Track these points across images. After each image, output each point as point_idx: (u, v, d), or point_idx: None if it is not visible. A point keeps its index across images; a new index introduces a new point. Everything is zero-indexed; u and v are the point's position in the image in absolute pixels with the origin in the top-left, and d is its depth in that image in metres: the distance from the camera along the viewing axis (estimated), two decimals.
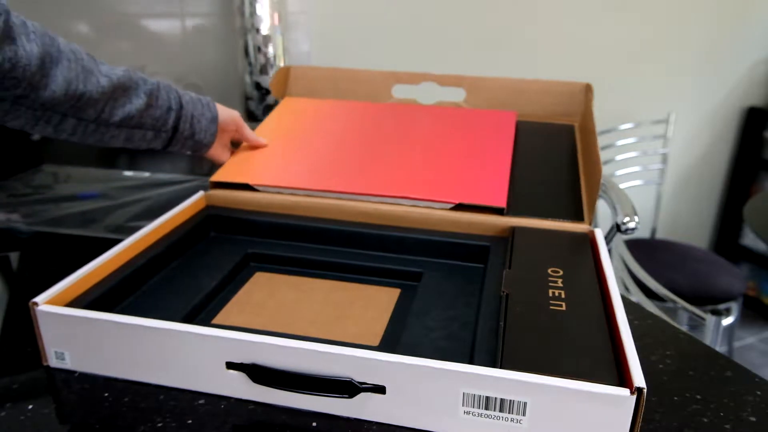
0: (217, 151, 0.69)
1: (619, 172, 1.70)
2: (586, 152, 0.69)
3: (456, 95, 0.82)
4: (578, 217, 0.60)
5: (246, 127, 0.72)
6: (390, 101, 0.83)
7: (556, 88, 0.80)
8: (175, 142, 0.64)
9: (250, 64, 1.19)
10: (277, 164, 0.69)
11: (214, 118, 0.66)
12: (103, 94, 0.55)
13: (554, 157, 0.71)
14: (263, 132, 0.76)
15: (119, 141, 0.59)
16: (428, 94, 0.84)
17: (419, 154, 0.70)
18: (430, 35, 1.51)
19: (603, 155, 1.68)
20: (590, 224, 0.59)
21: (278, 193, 0.66)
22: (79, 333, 0.45)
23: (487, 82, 0.81)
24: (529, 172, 0.68)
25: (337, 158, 0.69)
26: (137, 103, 0.58)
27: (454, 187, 0.63)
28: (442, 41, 1.53)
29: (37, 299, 0.45)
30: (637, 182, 1.73)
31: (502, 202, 0.60)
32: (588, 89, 0.78)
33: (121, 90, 0.57)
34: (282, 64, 1.21)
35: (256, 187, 0.66)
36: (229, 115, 0.69)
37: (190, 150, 0.66)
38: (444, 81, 0.81)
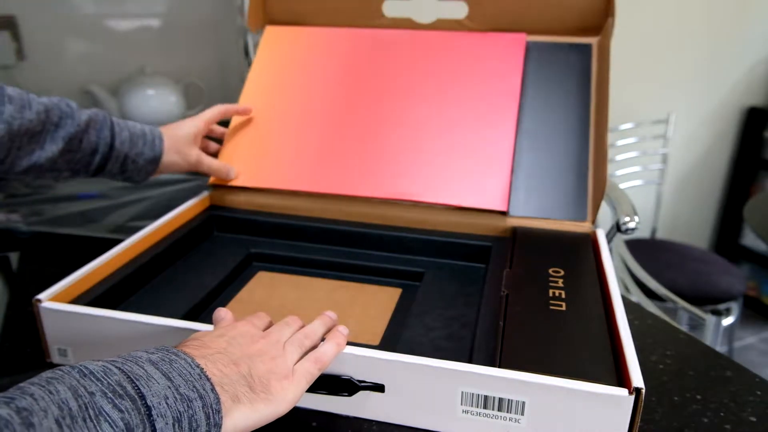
0: (190, 167, 0.64)
1: (619, 172, 1.70)
2: (596, 143, 0.63)
3: (457, 11, 0.70)
4: (581, 216, 0.59)
5: (227, 109, 0.68)
6: (381, 20, 0.72)
7: None
8: (101, 175, 0.59)
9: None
10: (277, 163, 0.68)
11: (155, 159, 0.59)
12: None
13: (565, 117, 0.64)
14: (251, 90, 0.72)
15: (23, 178, 0.54)
16: (425, 11, 0.71)
17: (420, 145, 0.65)
18: None
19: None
20: (593, 224, 0.59)
21: (280, 193, 0.66)
22: (81, 330, 0.45)
23: None
24: (532, 164, 0.63)
25: (338, 155, 0.67)
26: (50, 149, 0.52)
27: (456, 188, 0.63)
28: None
29: (41, 296, 0.45)
30: (637, 182, 1.73)
31: (503, 206, 0.60)
32: None
33: (27, 137, 0.50)
34: None
35: (257, 188, 0.66)
36: (189, 133, 0.63)
37: (124, 180, 0.61)
38: None
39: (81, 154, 0.55)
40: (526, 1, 0.69)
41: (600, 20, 0.67)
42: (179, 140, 0.62)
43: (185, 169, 0.63)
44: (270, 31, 0.77)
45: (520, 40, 0.68)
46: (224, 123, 0.72)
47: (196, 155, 0.63)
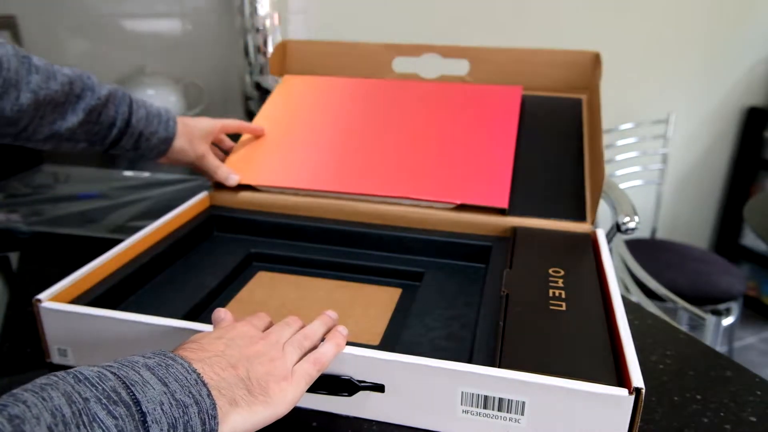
0: (196, 159, 0.65)
1: (619, 172, 1.70)
2: (591, 147, 0.67)
3: (459, 68, 0.78)
4: (581, 217, 0.59)
5: (243, 125, 0.70)
6: (390, 76, 0.80)
7: (563, 57, 0.76)
8: (114, 150, 0.60)
9: (250, 64, 1.19)
10: (278, 163, 0.69)
11: (167, 139, 0.62)
12: (23, 113, 0.50)
13: (559, 143, 0.68)
14: (263, 118, 0.75)
15: (42, 146, 0.56)
16: (430, 67, 0.79)
17: (421, 149, 0.68)
18: (430, 36, 1.51)
19: (604, 154, 1.68)
20: (592, 224, 0.59)
21: (280, 193, 0.66)
22: (82, 330, 0.45)
23: (492, 53, 0.77)
24: (532, 166, 0.66)
25: (338, 155, 0.69)
26: (71, 120, 0.54)
27: (456, 187, 0.63)
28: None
29: (41, 296, 0.45)
30: (637, 182, 1.73)
31: (504, 203, 0.60)
32: (596, 59, 0.74)
33: (51, 106, 0.52)
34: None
35: (258, 187, 0.66)
36: (204, 128, 0.66)
37: (133, 158, 0.64)
38: (447, 53, 0.77)
39: (99, 126, 0.57)
40: (522, 61, 0.77)
41: (588, 79, 0.75)
42: (193, 130, 0.64)
43: (191, 160, 0.65)
44: (287, 78, 0.82)
45: (516, 90, 0.75)
46: (234, 137, 0.73)
47: (203, 150, 0.65)
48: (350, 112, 0.75)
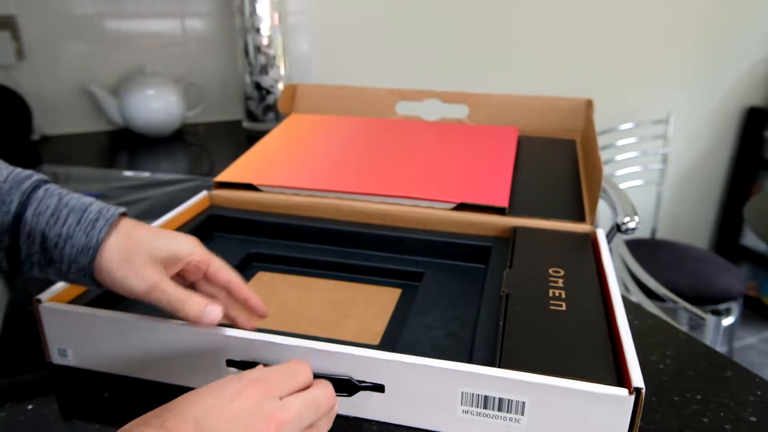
0: (144, 292, 0.39)
1: (619, 172, 1.70)
2: (587, 156, 0.69)
3: (459, 112, 0.83)
4: (580, 217, 0.60)
5: (223, 270, 0.44)
6: (394, 118, 0.85)
7: (558, 104, 0.81)
8: (25, 268, 0.40)
9: (250, 64, 1.19)
10: (280, 166, 0.69)
11: (88, 249, 0.39)
12: None
13: (556, 166, 0.72)
14: (268, 142, 0.76)
15: None
16: (432, 111, 0.85)
17: (422, 157, 0.70)
18: (430, 34, 1.51)
19: (603, 155, 1.68)
20: (592, 225, 0.59)
21: (281, 193, 0.66)
22: (81, 330, 0.45)
23: (490, 98, 0.83)
24: (531, 177, 0.68)
25: (341, 161, 0.69)
26: None
27: (456, 187, 0.63)
28: (443, 40, 1.53)
29: (41, 296, 0.45)
30: (637, 182, 1.73)
31: (504, 202, 0.61)
32: (589, 104, 0.79)
33: None
34: (282, 65, 1.21)
35: (259, 187, 0.66)
36: (164, 248, 0.41)
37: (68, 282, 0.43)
38: (447, 98, 0.82)
39: None
40: (519, 106, 0.83)
41: (581, 122, 0.80)
42: (139, 244, 0.40)
43: (129, 294, 0.40)
44: (294, 115, 0.86)
45: (513, 130, 0.80)
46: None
47: (155, 279, 0.39)
48: (355, 137, 0.78)
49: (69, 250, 0.39)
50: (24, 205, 0.39)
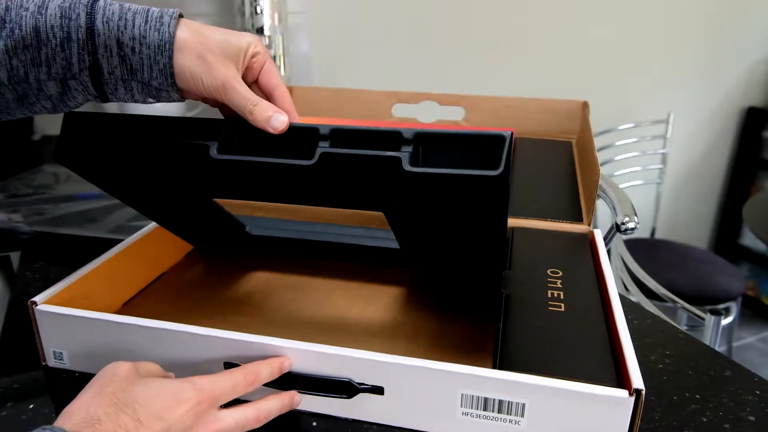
0: (216, 89, 0.40)
1: (619, 172, 1.70)
2: (583, 157, 0.69)
3: (455, 114, 0.84)
4: (577, 218, 0.60)
5: (275, 74, 0.45)
6: (390, 120, 0.85)
7: (554, 105, 0.82)
8: (105, 87, 0.40)
9: None
10: None
11: (163, 44, 0.39)
12: None
13: (552, 167, 0.72)
14: None
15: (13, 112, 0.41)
16: (428, 113, 0.85)
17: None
18: (429, 36, 1.51)
19: (603, 155, 1.68)
20: (589, 225, 0.59)
21: None
22: (77, 333, 0.45)
23: (486, 101, 0.83)
24: (528, 178, 0.68)
25: None
26: None
27: None
28: (443, 40, 1.53)
29: (36, 299, 0.45)
30: (637, 182, 1.73)
31: None
32: (584, 106, 0.79)
33: None
34: (282, 65, 1.21)
35: None
36: (233, 42, 0.41)
37: (150, 97, 0.41)
38: (444, 100, 0.83)
39: (41, 51, 0.37)
40: (515, 108, 0.83)
41: (578, 124, 0.81)
42: (210, 41, 0.40)
43: (208, 91, 0.40)
44: None
45: (509, 132, 0.78)
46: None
47: (228, 75, 0.40)
48: None
49: (146, 51, 0.38)
50: (91, 16, 0.38)
